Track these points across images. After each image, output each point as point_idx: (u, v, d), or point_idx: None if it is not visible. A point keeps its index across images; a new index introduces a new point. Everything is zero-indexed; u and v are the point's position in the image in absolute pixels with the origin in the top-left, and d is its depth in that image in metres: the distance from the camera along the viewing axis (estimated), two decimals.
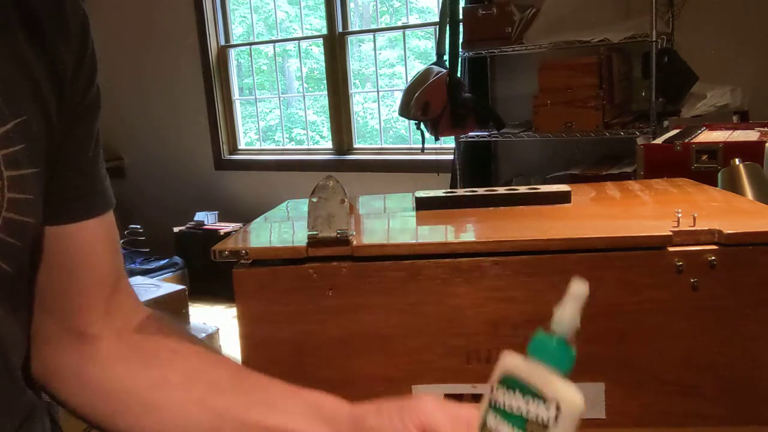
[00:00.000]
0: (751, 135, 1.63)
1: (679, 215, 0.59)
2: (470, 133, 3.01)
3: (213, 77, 4.19)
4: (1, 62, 0.50)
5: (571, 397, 0.41)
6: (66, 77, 0.55)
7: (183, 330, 0.62)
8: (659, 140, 1.75)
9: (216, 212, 4.01)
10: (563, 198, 0.73)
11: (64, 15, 0.55)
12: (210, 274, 3.56)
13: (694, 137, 1.66)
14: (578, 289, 0.44)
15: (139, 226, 3.91)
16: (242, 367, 0.60)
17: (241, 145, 4.35)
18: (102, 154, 0.61)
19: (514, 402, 0.42)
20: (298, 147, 4.42)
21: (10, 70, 0.50)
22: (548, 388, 0.41)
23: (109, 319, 0.61)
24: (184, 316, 2.31)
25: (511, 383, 0.43)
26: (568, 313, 0.44)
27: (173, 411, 0.57)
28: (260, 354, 0.60)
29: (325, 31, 3.83)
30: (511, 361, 0.44)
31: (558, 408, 0.40)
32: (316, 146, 4.19)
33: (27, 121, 0.51)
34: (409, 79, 3.09)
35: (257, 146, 4.38)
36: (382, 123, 4.04)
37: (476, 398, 0.59)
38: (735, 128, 1.85)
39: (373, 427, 0.50)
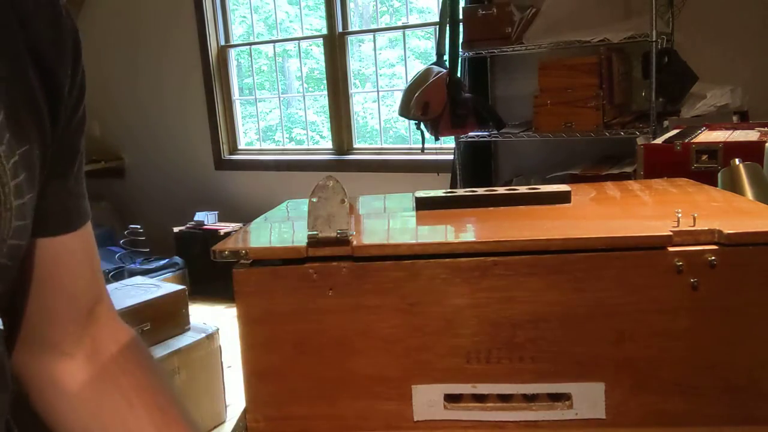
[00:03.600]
0: (751, 135, 1.63)
1: (679, 215, 0.59)
2: (470, 133, 3.01)
3: (213, 77, 4.19)
4: (12, 93, 0.50)
5: None
6: (61, 99, 0.55)
7: (148, 368, 0.66)
8: (659, 140, 1.75)
9: (216, 212, 4.01)
10: (563, 198, 0.73)
11: (61, 35, 0.55)
12: (210, 274, 3.56)
13: (694, 137, 1.66)
14: None
15: (139, 226, 3.91)
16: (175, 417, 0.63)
17: (241, 145, 4.35)
18: (83, 171, 0.61)
19: None
20: (298, 147, 4.43)
21: (19, 101, 0.50)
22: None
23: (84, 343, 0.63)
24: (184, 316, 2.30)
25: None
26: None
27: None
28: (260, 354, 0.60)
29: (325, 31, 3.83)
30: None
31: None
32: (316, 146, 4.19)
33: (29, 150, 0.51)
34: (409, 79, 3.09)
35: (257, 146, 4.38)
36: (382, 123, 4.04)
37: (476, 398, 0.59)
38: (735, 128, 1.85)
39: None
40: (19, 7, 0.51)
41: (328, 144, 4.04)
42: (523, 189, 0.75)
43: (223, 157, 4.30)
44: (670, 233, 0.56)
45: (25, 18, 0.52)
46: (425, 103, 2.83)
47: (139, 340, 0.68)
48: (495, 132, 2.95)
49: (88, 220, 0.62)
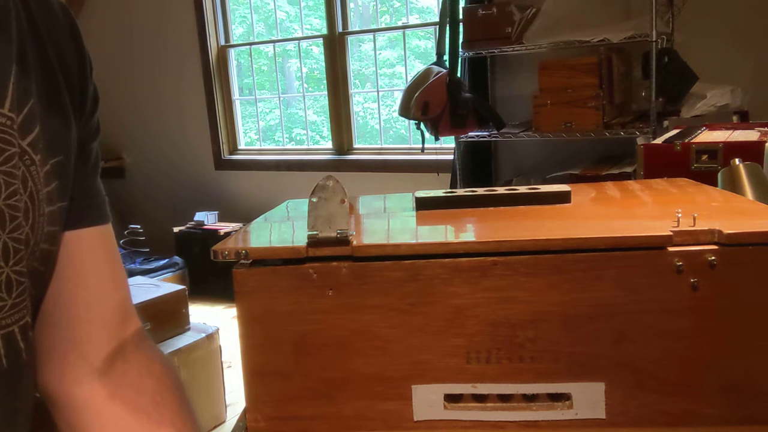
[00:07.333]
0: (751, 135, 1.63)
1: (679, 215, 0.59)
2: (470, 133, 3.00)
3: (213, 77, 4.19)
4: (49, 112, 0.54)
5: None
6: (84, 110, 0.59)
7: (178, 408, 0.67)
8: (659, 140, 1.75)
9: (216, 212, 4.01)
10: (563, 198, 0.73)
11: (80, 46, 0.59)
12: (210, 274, 3.56)
13: (694, 137, 1.66)
14: None
15: (139, 226, 3.91)
16: None
17: (241, 145, 4.35)
18: (98, 175, 0.64)
19: None
20: (298, 147, 4.43)
21: (55, 118, 0.55)
22: None
23: (115, 367, 0.63)
24: (184, 316, 2.30)
25: None
26: None
27: None
28: (260, 354, 0.60)
29: (325, 31, 3.83)
30: None
31: None
32: (316, 146, 4.19)
33: (62, 161, 0.55)
34: (409, 79, 3.09)
35: (257, 146, 4.38)
36: (382, 123, 4.04)
37: (476, 398, 0.59)
38: (735, 128, 1.85)
39: None
40: (44, 24, 0.55)
41: (328, 144, 4.04)
42: (523, 189, 0.75)
43: (223, 157, 4.29)
44: (670, 233, 0.56)
45: (51, 33, 0.55)
46: (425, 103, 2.83)
47: (173, 371, 0.68)
48: (495, 132, 2.95)
49: (108, 223, 0.64)
